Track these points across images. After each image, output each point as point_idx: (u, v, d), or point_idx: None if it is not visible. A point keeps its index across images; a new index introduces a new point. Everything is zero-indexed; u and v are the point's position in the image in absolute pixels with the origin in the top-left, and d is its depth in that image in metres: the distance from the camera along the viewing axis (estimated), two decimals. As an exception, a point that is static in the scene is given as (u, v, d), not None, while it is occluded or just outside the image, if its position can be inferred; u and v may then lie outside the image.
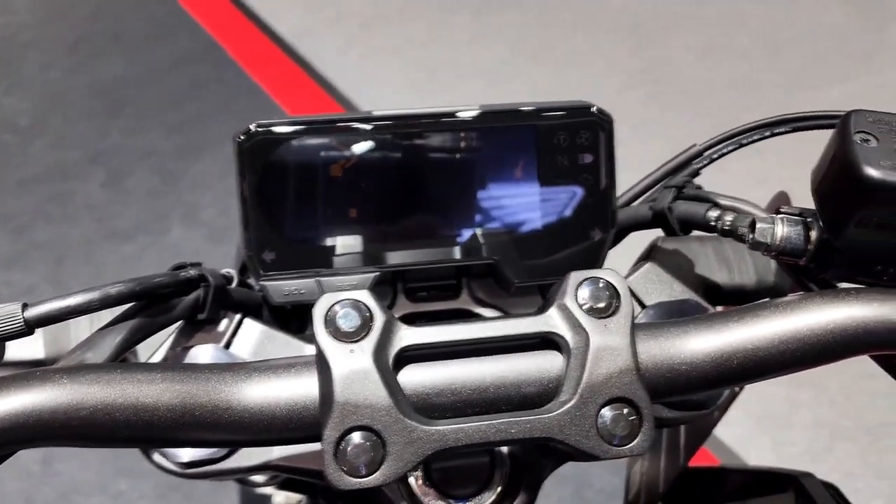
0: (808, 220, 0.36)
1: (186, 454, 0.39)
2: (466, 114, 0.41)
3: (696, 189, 0.44)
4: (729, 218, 0.40)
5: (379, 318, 0.31)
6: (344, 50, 2.43)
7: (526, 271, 0.42)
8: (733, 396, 0.54)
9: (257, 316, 0.43)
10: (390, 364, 0.31)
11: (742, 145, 0.45)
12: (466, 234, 0.42)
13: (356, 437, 0.29)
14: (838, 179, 0.33)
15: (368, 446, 0.29)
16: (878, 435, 1.55)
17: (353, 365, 0.30)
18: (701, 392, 0.35)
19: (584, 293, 0.32)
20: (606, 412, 0.31)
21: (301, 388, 0.31)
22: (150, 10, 2.66)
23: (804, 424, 1.59)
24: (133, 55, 2.49)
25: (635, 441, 0.31)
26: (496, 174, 0.42)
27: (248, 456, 0.39)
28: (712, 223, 0.41)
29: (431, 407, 0.31)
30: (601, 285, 0.32)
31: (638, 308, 0.43)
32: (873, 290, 0.32)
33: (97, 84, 2.41)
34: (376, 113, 0.41)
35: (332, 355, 0.30)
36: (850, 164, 0.32)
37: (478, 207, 0.42)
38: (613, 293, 0.32)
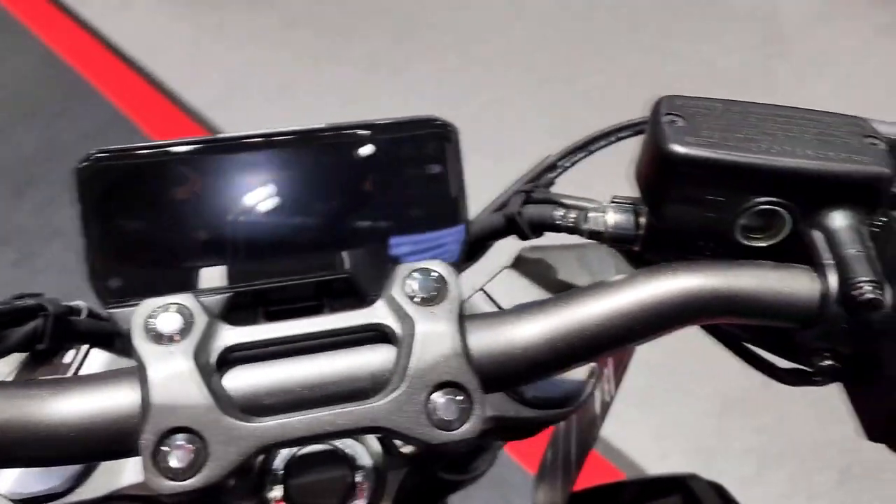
0: (638, 207, 0.37)
1: (25, 488, 0.37)
2: (313, 132, 0.41)
3: (545, 193, 0.45)
4: (572, 215, 0.41)
5: (200, 320, 0.30)
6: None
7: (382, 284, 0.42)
8: (609, 404, 0.55)
9: (108, 345, 0.42)
10: (213, 364, 0.30)
11: (591, 152, 0.47)
12: (320, 250, 0.42)
13: (176, 439, 0.28)
14: (651, 161, 0.34)
15: (188, 448, 0.28)
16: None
17: (170, 366, 0.29)
18: (538, 377, 0.35)
19: (412, 284, 0.32)
20: (437, 398, 0.30)
21: (122, 399, 0.30)
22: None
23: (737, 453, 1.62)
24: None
25: (466, 425, 0.30)
26: (346, 190, 0.43)
27: (95, 487, 0.38)
28: (558, 222, 0.42)
29: (263, 408, 0.31)
30: (428, 276, 0.32)
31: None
32: (695, 262, 0.33)
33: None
34: (221, 135, 0.41)
35: (149, 358, 0.29)
36: (658, 144, 0.33)
37: (330, 223, 0.42)
38: (441, 282, 0.32)
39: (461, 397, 0.31)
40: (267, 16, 2.64)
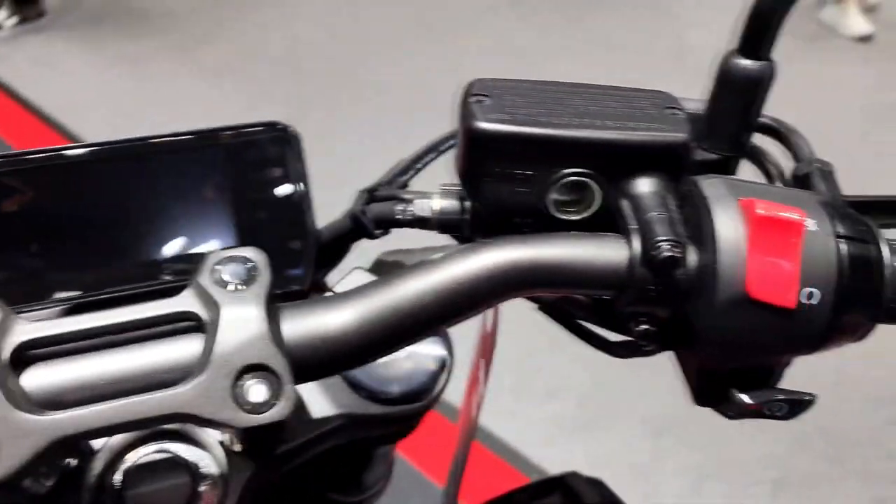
0: (463, 192, 0.38)
1: None
2: (149, 140, 0.41)
3: (387, 190, 0.45)
4: (411, 209, 0.41)
5: None
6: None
7: None
8: (481, 402, 0.54)
9: None
10: (6, 361, 0.29)
11: (441, 152, 0.48)
12: (162, 260, 0.41)
13: None
14: (462, 141, 0.35)
15: None
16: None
17: None
18: (358, 361, 0.34)
19: (221, 271, 0.32)
20: (244, 381, 0.30)
21: None
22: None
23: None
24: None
25: (275, 408, 0.30)
26: (187, 197, 0.42)
27: None
28: (398, 216, 0.42)
29: (63, 403, 0.30)
30: (238, 262, 0.32)
31: None
32: (507, 237, 0.34)
33: None
34: (53, 148, 0.40)
35: None
36: (466, 123, 0.34)
37: (170, 232, 0.42)
38: (252, 268, 0.32)
39: (268, 379, 0.30)
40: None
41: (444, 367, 0.44)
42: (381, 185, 0.45)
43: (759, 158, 0.40)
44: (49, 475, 0.36)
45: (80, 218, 0.41)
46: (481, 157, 0.34)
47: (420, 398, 0.43)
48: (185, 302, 0.31)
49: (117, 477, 0.38)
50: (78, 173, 0.41)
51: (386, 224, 0.44)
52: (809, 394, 0.35)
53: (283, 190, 0.43)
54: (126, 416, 0.29)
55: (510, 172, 0.34)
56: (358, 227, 0.45)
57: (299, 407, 0.40)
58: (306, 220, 0.43)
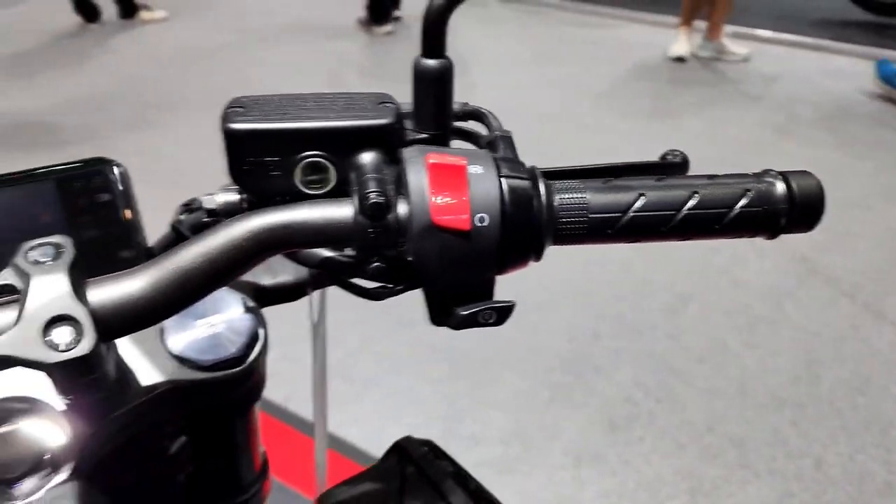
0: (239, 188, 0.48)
1: None
2: (24, 174, 0.51)
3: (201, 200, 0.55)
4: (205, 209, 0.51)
5: None
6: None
7: None
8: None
9: None
10: None
11: None
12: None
13: None
14: (225, 144, 0.46)
15: None
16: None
17: None
18: (156, 317, 0.43)
19: (32, 253, 0.41)
20: (53, 329, 0.39)
21: None
22: None
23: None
24: None
25: (78, 347, 0.39)
26: (24, 226, 0.52)
27: None
28: (205, 220, 0.52)
29: None
30: (46, 246, 0.41)
31: None
32: (262, 209, 0.43)
33: None
34: None
35: None
36: (223, 127, 0.45)
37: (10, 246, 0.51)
38: (59, 248, 0.41)
39: (75, 327, 0.39)
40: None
41: (256, 338, 0.53)
42: (195, 199, 0.55)
43: (461, 133, 0.51)
44: None
45: None
46: (238, 152, 0.45)
47: (235, 365, 0.52)
48: (4, 276, 0.40)
49: None
50: None
51: (198, 228, 0.53)
52: (510, 301, 0.45)
53: (113, 211, 0.53)
54: None
55: (262, 161, 0.45)
56: (179, 236, 0.55)
57: (126, 374, 0.49)
58: (136, 237, 0.53)
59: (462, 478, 0.59)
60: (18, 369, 0.46)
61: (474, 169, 0.43)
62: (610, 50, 5.32)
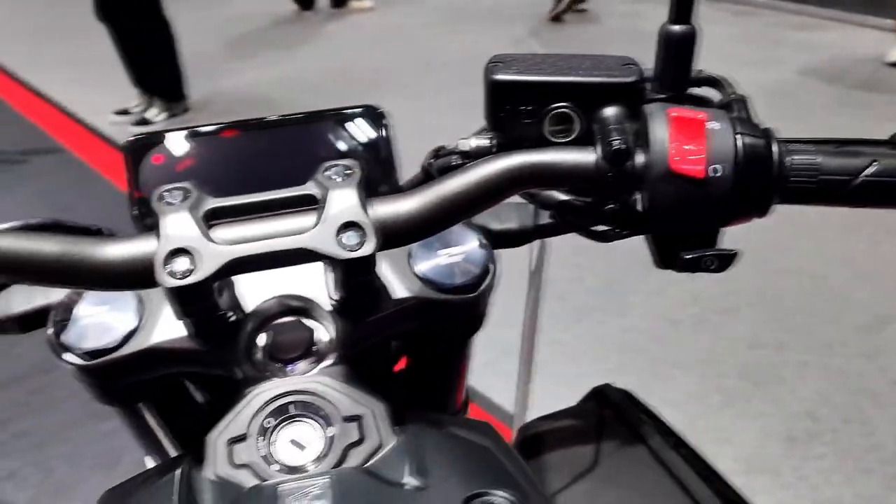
0: (491, 132, 0.55)
1: (87, 344, 0.54)
2: (291, 117, 0.62)
3: (450, 147, 0.63)
4: (458, 152, 0.59)
5: (194, 192, 0.48)
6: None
7: None
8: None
9: None
10: (202, 216, 0.47)
11: None
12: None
13: (178, 256, 0.46)
14: (486, 93, 0.52)
15: (185, 261, 0.46)
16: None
17: (175, 213, 0.47)
18: (422, 233, 0.51)
19: (329, 171, 0.50)
20: (344, 231, 0.47)
21: (147, 247, 0.47)
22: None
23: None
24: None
25: (362, 248, 0.47)
26: (308, 153, 0.62)
27: (136, 344, 0.54)
28: (453, 164, 0.60)
29: (234, 242, 0.47)
30: (340, 167, 0.50)
31: None
32: (513, 151, 0.50)
33: None
34: (227, 122, 0.61)
35: (162, 210, 0.47)
36: (486, 78, 0.52)
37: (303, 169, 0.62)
38: (350, 170, 0.50)
39: (360, 233, 0.47)
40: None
41: (487, 272, 0.60)
42: (443, 147, 0.63)
43: (694, 99, 0.55)
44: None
45: (245, 159, 0.61)
46: (498, 100, 0.52)
47: (469, 292, 0.59)
48: (308, 188, 0.49)
49: (262, 335, 0.56)
50: (245, 134, 0.61)
51: (445, 171, 0.61)
52: (733, 249, 0.49)
53: (376, 149, 0.62)
54: (274, 247, 0.47)
55: (517, 109, 0.51)
56: (427, 176, 0.63)
57: (381, 287, 0.57)
58: (392, 171, 0.62)
59: (661, 424, 0.63)
60: (301, 273, 0.56)
61: (712, 125, 0.47)
62: (822, 52, 4.99)
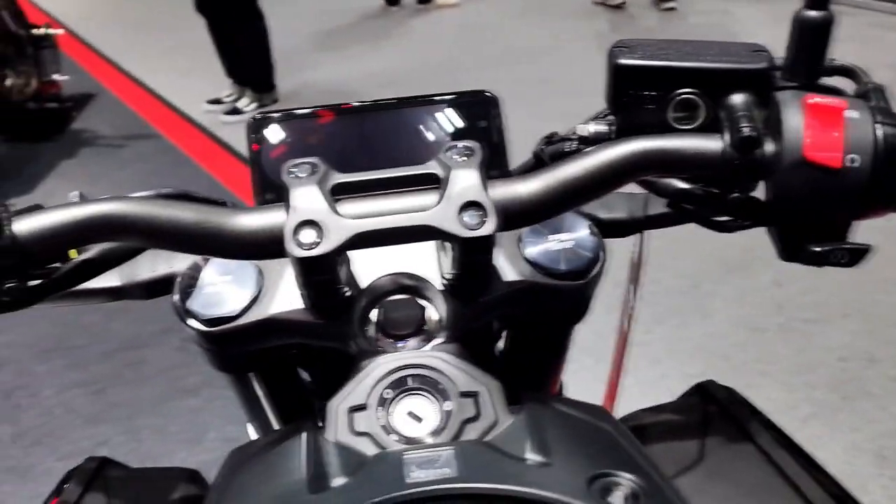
0: (609, 118, 0.55)
1: (210, 311, 0.56)
2: (406, 99, 0.63)
3: (562, 134, 0.63)
4: (574, 137, 0.59)
5: (322, 166, 0.50)
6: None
7: None
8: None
9: None
10: (329, 190, 0.49)
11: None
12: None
13: (306, 228, 0.47)
14: (610, 76, 0.52)
15: (312, 233, 0.47)
16: None
17: (303, 187, 0.48)
18: (540, 217, 0.51)
19: (451, 151, 0.50)
20: (465, 210, 0.48)
21: (276, 219, 0.49)
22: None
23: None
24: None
25: (483, 228, 0.47)
26: (431, 136, 0.63)
27: (256, 314, 0.57)
28: (565, 150, 0.60)
29: (359, 217, 0.48)
30: (462, 148, 0.51)
31: None
32: (636, 136, 0.50)
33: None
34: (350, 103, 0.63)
35: (291, 183, 0.49)
36: (611, 62, 0.52)
37: (421, 148, 0.63)
38: (471, 149, 0.50)
39: (480, 213, 0.48)
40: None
41: (598, 259, 0.60)
42: (555, 133, 0.63)
43: (824, 89, 0.53)
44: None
45: (361, 139, 0.62)
46: (621, 85, 0.52)
47: (577, 279, 0.59)
48: (430, 166, 0.50)
49: (374, 311, 0.57)
50: (362, 115, 0.63)
51: (557, 157, 0.61)
52: (866, 244, 0.47)
53: (487, 134, 0.63)
54: (398, 223, 0.48)
55: (641, 94, 0.51)
56: (539, 162, 0.63)
57: (493, 269, 0.58)
58: (503, 156, 0.62)
59: (767, 422, 0.61)
60: (411, 252, 0.57)
61: (850, 113, 0.45)
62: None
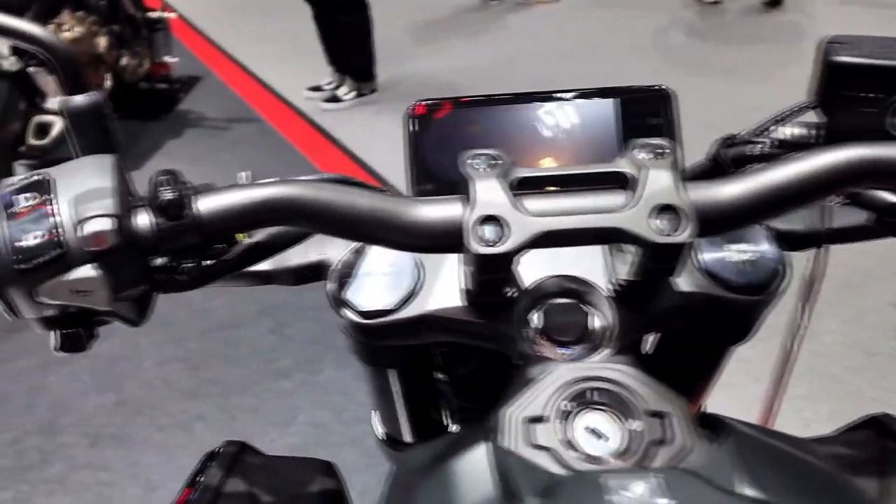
0: (809, 122, 0.50)
1: (367, 303, 0.55)
2: (578, 91, 0.60)
3: (743, 136, 0.58)
4: (767, 139, 0.54)
5: (504, 159, 0.47)
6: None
7: None
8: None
9: None
10: (509, 184, 0.46)
11: (794, 114, 0.59)
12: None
13: (487, 223, 0.44)
14: (822, 72, 0.47)
15: (495, 229, 0.44)
16: None
17: (485, 180, 0.46)
18: (740, 224, 0.46)
19: (643, 149, 0.47)
20: (658, 214, 0.44)
21: (454, 211, 0.46)
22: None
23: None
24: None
25: (679, 234, 0.44)
26: (604, 131, 0.60)
27: (413, 309, 0.54)
28: (748, 153, 0.55)
29: (544, 213, 0.45)
30: (652, 146, 0.47)
31: None
32: (851, 143, 0.45)
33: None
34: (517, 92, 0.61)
35: (471, 175, 0.46)
36: (825, 59, 0.47)
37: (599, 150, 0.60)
38: (665, 148, 0.47)
39: (674, 214, 0.44)
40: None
41: (779, 273, 0.55)
42: (735, 135, 0.59)
43: None
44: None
45: (528, 130, 0.59)
46: (835, 83, 0.47)
47: (758, 292, 0.54)
48: (619, 165, 0.47)
49: (535, 314, 0.54)
50: (529, 106, 0.60)
51: (741, 162, 0.56)
52: None
53: (661, 131, 0.59)
54: (585, 224, 0.44)
55: (857, 96, 0.46)
56: (717, 166, 0.58)
57: (668, 283, 0.54)
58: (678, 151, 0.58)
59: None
60: (576, 254, 0.53)
61: None
62: None
